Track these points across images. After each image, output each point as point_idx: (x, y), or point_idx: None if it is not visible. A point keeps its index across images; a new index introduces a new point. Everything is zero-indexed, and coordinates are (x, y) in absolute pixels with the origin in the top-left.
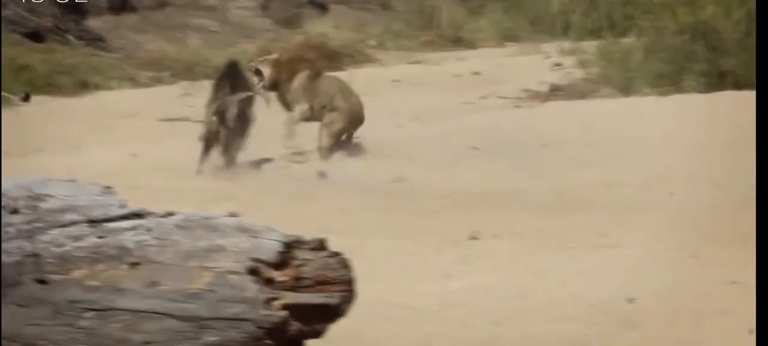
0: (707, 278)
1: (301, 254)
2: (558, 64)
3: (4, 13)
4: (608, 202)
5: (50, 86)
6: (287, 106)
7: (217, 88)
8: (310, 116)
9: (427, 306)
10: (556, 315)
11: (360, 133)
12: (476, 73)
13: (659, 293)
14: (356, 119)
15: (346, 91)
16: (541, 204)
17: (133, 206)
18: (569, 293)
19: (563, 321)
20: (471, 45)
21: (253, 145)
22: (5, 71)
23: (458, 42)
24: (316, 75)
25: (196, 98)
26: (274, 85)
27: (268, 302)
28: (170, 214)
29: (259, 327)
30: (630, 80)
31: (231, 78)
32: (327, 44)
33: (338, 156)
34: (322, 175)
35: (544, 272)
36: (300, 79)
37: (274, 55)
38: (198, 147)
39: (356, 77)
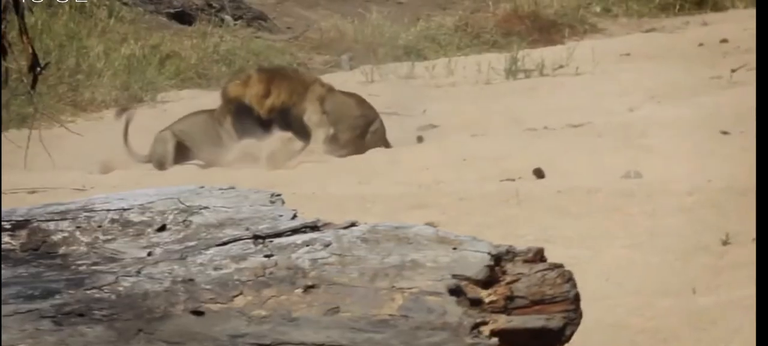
0: None
1: (513, 268)
2: None
3: None
4: None
5: (202, 77)
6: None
7: None
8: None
9: (671, 327)
10: None
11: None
12: (724, 41)
13: None
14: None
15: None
16: None
17: (306, 217)
18: None
19: None
20: (717, 6)
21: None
22: (149, 61)
23: (702, 3)
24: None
25: (380, 86)
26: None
27: (475, 327)
28: (352, 225)
29: None
30: None
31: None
32: (539, 13)
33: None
34: (538, 173)
35: None
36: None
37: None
38: None
39: (577, 52)
